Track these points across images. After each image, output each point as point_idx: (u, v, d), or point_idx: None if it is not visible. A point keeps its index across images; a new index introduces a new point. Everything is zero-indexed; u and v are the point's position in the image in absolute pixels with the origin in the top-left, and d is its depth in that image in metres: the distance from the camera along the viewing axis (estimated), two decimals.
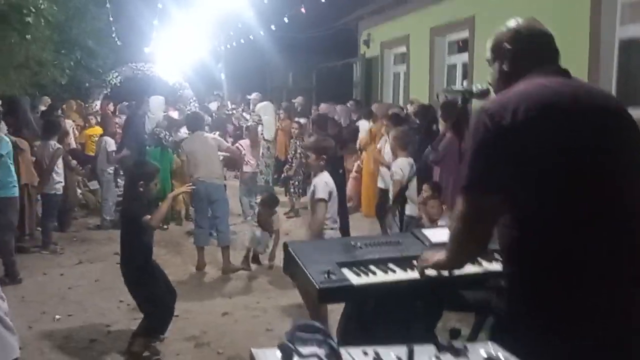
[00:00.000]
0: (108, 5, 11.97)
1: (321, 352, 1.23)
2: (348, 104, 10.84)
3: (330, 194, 3.87)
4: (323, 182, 3.89)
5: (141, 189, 3.90)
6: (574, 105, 1.64)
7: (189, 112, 8.78)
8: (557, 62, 1.83)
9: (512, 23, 1.87)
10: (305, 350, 1.22)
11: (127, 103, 11.31)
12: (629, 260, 1.59)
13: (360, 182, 8.12)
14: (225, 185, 6.55)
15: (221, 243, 5.85)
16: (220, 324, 4.47)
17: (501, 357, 1.37)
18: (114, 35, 13.93)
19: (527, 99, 1.62)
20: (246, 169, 7.86)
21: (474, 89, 2.19)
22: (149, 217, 3.81)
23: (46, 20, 9.42)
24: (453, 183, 5.98)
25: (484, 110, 1.66)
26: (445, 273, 1.94)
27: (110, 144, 7.79)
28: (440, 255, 1.87)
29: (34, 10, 9.00)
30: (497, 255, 2.06)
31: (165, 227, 7.20)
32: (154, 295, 3.87)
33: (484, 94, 2.16)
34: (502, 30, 1.88)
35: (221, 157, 6.43)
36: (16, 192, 5.48)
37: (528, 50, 1.80)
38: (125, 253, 3.94)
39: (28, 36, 9.58)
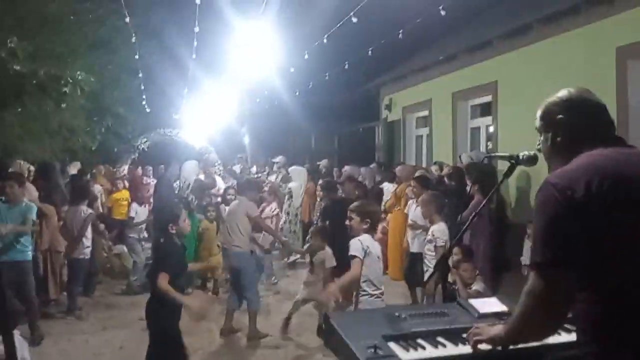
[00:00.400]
0: (140, 74, 12.46)
1: None
2: (371, 166, 10.91)
3: (366, 252, 3.83)
4: (357, 241, 3.89)
5: (173, 231, 3.89)
6: (637, 174, 1.60)
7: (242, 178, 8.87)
8: (613, 132, 1.80)
9: (563, 93, 1.86)
10: None
11: (151, 167, 11.52)
12: None
13: (386, 244, 8.00)
14: (252, 252, 6.42)
15: (248, 308, 5.72)
16: None
17: None
18: (144, 103, 14.43)
19: (597, 171, 1.59)
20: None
21: (522, 156, 2.16)
22: (165, 275, 3.71)
23: (82, 89, 9.84)
24: (483, 246, 5.88)
25: (551, 184, 1.62)
26: (499, 347, 1.84)
27: (134, 211, 7.84)
28: (497, 330, 1.79)
29: (71, 80, 9.41)
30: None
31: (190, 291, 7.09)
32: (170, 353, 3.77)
33: (531, 161, 2.14)
34: (554, 100, 1.87)
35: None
36: (29, 256, 5.52)
37: (582, 121, 1.79)
38: (152, 307, 3.86)
39: (63, 105, 9.97)
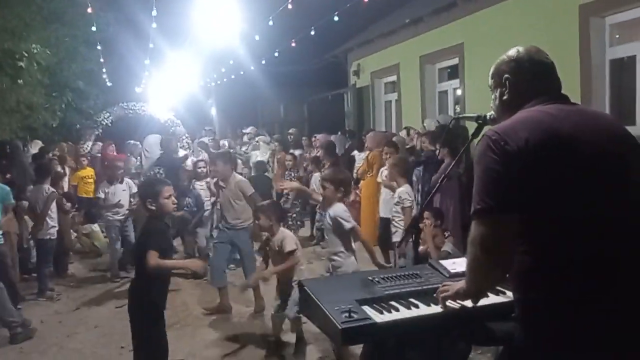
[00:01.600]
0: (99, 46, 12.01)
1: None
2: (339, 134, 10.89)
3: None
4: (342, 210, 3.94)
5: (153, 207, 3.75)
6: (576, 130, 1.66)
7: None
8: (558, 91, 1.85)
9: (512, 52, 1.91)
10: None
11: (132, 141, 11.16)
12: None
13: (359, 212, 8.05)
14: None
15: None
16: None
17: None
18: (104, 76, 13.96)
19: (530, 126, 1.66)
20: None
21: (488, 116, 2.17)
22: (154, 253, 3.52)
23: (39, 64, 9.43)
24: (453, 208, 5.96)
25: (488, 137, 1.69)
26: (469, 303, 1.90)
27: (103, 190, 7.22)
28: (460, 284, 1.86)
29: (26, 54, 9.00)
30: None
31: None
32: (155, 342, 3.69)
33: (495, 120, 2.14)
34: (503, 59, 1.92)
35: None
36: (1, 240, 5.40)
37: (528, 80, 1.84)
38: (137, 289, 3.73)
39: (20, 81, 9.56)
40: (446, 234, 4.80)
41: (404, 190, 5.27)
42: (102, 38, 11.95)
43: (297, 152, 9.54)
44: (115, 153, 10.83)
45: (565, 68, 7.33)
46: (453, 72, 9.81)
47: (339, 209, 4.00)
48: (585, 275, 1.58)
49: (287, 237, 4.35)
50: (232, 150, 10.14)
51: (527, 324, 1.67)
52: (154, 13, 8.06)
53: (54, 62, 11.47)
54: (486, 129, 1.99)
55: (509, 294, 2.06)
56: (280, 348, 4.49)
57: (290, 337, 4.50)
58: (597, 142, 1.66)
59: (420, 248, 4.79)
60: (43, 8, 10.67)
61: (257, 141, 11.17)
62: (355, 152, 9.28)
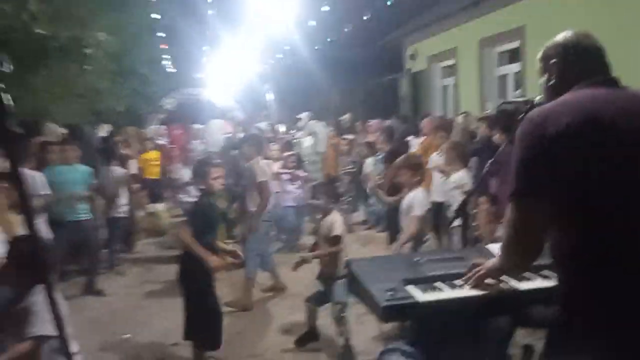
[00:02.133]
0: (160, 33, 12.47)
1: None
2: (393, 119, 10.80)
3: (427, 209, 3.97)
4: (420, 198, 3.96)
5: (201, 186, 3.95)
6: (620, 115, 1.62)
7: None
8: (607, 75, 1.81)
9: (560, 36, 1.88)
10: None
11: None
12: None
13: None
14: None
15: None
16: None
17: None
18: (166, 62, 14.48)
19: (570, 108, 1.64)
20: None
21: (536, 100, 2.14)
22: (187, 232, 3.76)
23: (104, 50, 9.90)
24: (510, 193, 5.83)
25: (528, 119, 1.69)
26: (512, 284, 1.92)
27: (178, 171, 7.72)
28: (492, 262, 1.91)
29: (92, 42, 9.48)
30: None
31: None
32: (207, 308, 3.89)
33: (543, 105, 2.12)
34: (551, 44, 1.90)
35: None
36: (90, 215, 5.88)
37: (575, 65, 1.82)
38: (183, 263, 3.95)
39: (87, 67, 10.10)
40: (502, 221, 4.73)
41: (461, 175, 5.19)
42: (163, 25, 12.37)
43: (350, 137, 9.56)
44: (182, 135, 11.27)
45: (631, 53, 7.01)
46: (514, 56, 9.49)
47: (417, 194, 4.00)
48: (622, 259, 1.57)
49: (336, 221, 4.21)
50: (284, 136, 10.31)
51: (566, 305, 1.68)
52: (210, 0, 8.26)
53: (119, 48, 12.00)
54: None
55: (554, 279, 2.05)
56: (312, 338, 4.30)
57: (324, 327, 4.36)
58: (638, 128, 1.61)
59: (475, 233, 4.76)
60: None
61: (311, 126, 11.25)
62: (411, 138, 9.19)
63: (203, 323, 3.89)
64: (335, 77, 17.00)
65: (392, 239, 6.26)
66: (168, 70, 14.79)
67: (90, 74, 10.88)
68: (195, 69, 16.07)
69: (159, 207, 8.97)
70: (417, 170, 4.03)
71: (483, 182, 5.57)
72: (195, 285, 3.88)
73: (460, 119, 8.89)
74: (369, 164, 8.05)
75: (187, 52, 14.76)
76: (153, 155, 10.06)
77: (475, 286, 1.99)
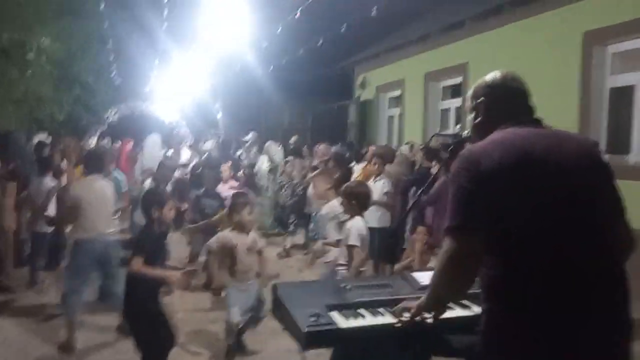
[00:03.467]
0: (110, 44, 12.19)
1: None
2: (340, 146, 10.95)
3: (362, 239, 3.88)
4: (355, 228, 3.90)
5: (155, 215, 3.85)
6: (546, 153, 1.72)
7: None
8: (531, 115, 1.92)
9: (489, 77, 1.99)
10: None
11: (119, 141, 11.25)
12: (599, 303, 1.66)
13: None
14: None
15: None
16: None
17: None
18: (113, 74, 14.14)
19: (503, 146, 1.73)
20: None
21: (464, 134, 2.23)
22: (139, 260, 3.64)
23: (48, 57, 9.56)
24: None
25: (463, 156, 1.76)
26: (430, 318, 1.95)
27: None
28: (420, 300, 1.92)
29: (36, 46, 9.15)
30: None
31: None
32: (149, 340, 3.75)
33: (471, 139, 2.21)
34: (480, 83, 2.00)
35: None
36: None
37: (502, 105, 1.92)
38: (128, 286, 3.81)
39: (29, 71, 9.71)
40: (436, 251, 4.84)
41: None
42: (113, 35, 12.11)
43: (297, 161, 9.61)
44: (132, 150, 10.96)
45: (565, 93, 7.44)
46: (456, 91, 9.88)
47: (353, 224, 3.96)
48: (550, 291, 1.63)
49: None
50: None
51: (489, 335, 1.72)
52: (165, 13, 8.19)
53: (65, 55, 11.63)
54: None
55: (474, 308, 2.11)
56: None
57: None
58: (565, 164, 1.72)
59: (407, 260, 4.85)
60: (55, 0, 10.84)
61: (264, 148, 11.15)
62: (354, 164, 9.33)
63: (147, 347, 3.75)
64: (285, 99, 17.10)
65: None
66: (114, 81, 14.43)
67: (31, 79, 10.45)
68: (142, 82, 15.77)
69: None
70: (353, 199, 4.04)
71: (420, 212, 5.75)
72: (137, 305, 3.75)
73: (405, 148, 9.14)
74: (312, 187, 8.08)
75: (136, 64, 14.49)
76: None
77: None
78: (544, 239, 1.65)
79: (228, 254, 4.24)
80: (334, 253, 4.13)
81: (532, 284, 1.64)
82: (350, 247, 3.83)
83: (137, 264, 3.64)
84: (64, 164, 8.75)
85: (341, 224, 4.19)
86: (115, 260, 4.82)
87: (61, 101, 12.48)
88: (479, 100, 1.97)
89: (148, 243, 3.79)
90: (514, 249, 1.67)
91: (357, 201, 4.03)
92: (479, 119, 1.98)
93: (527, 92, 1.96)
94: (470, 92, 2.05)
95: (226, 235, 4.33)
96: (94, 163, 5.19)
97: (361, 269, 3.80)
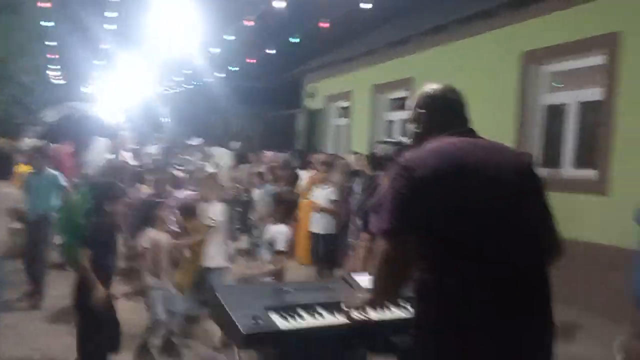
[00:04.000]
0: (49, 42, 11.71)
1: None
2: (287, 153, 10.98)
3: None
4: (282, 234, 3.90)
5: (107, 208, 3.74)
6: (478, 162, 1.81)
7: None
8: (466, 125, 2.01)
9: (428, 88, 2.06)
10: None
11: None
12: (524, 306, 1.75)
13: (296, 230, 8.09)
14: None
15: None
16: None
17: None
18: (53, 73, 13.58)
19: (437, 154, 1.81)
20: None
21: (405, 142, 2.30)
22: (87, 253, 3.59)
23: None
24: None
25: (400, 163, 1.83)
26: (372, 315, 2.02)
27: None
28: (365, 296, 1.99)
29: None
30: None
31: None
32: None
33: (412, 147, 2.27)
34: (420, 94, 2.07)
35: None
36: None
37: (438, 115, 2.00)
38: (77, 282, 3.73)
39: None
40: None
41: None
42: (55, 34, 11.65)
43: (242, 167, 9.55)
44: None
45: (503, 109, 7.76)
46: (402, 104, 10.12)
47: (278, 230, 3.96)
48: (477, 293, 1.71)
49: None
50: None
51: (420, 335, 1.79)
52: (107, 14, 7.97)
53: (1, 54, 11.10)
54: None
55: (411, 309, 2.16)
56: None
57: None
58: (497, 173, 1.81)
59: (349, 267, 4.89)
60: None
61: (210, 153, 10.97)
62: (301, 171, 9.37)
63: (88, 344, 3.68)
64: (234, 106, 16.97)
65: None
66: (54, 81, 13.85)
67: None
68: (85, 83, 15.21)
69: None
70: (286, 206, 4.08)
71: (364, 219, 5.83)
72: (84, 301, 3.65)
73: (352, 157, 9.27)
74: (258, 194, 8.05)
75: (78, 64, 13.98)
76: (27, 169, 9.25)
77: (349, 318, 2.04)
78: (473, 243, 1.73)
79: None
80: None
81: (462, 286, 1.71)
82: (280, 253, 3.84)
83: (83, 257, 3.58)
84: None
85: None
86: None
87: None
88: (419, 110, 2.04)
89: (98, 237, 3.72)
90: (444, 253, 1.74)
91: (286, 208, 4.09)
92: (419, 128, 2.04)
93: (464, 103, 2.05)
94: (411, 102, 2.11)
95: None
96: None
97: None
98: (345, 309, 2.03)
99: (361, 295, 1.99)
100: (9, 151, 9.28)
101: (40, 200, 5.96)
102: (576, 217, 5.95)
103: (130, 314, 5.06)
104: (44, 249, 6.18)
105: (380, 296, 1.95)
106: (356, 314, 2.00)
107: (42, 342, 4.69)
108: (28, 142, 12.20)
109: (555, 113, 7.04)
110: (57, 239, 6.93)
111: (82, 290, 3.67)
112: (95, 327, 3.68)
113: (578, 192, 6.20)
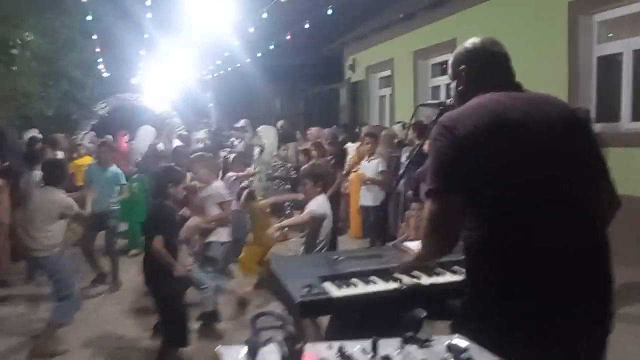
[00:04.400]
0: (95, 36, 12.07)
1: (279, 336, 1.23)
2: (333, 127, 10.96)
3: (323, 215, 3.90)
4: (316, 205, 3.94)
5: (170, 191, 3.92)
6: (523, 117, 1.74)
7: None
8: (511, 79, 1.93)
9: (468, 43, 1.99)
10: (264, 335, 1.23)
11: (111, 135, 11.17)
12: (579, 256, 1.69)
13: (348, 203, 8.13)
14: None
15: None
16: None
17: (461, 345, 1.39)
18: (101, 67, 14.02)
19: (477, 112, 1.76)
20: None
21: (448, 102, 2.25)
22: (160, 239, 3.75)
23: (33, 52, 9.47)
24: None
25: (440, 122, 1.79)
26: (425, 280, 2.05)
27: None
28: (416, 253, 2.04)
29: (20, 42, 9.06)
30: None
31: None
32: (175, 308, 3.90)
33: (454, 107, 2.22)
34: (459, 50, 2.00)
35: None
36: None
37: (482, 70, 1.93)
38: (151, 268, 3.92)
39: (14, 68, 9.62)
40: None
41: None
42: (98, 28, 11.99)
43: (289, 144, 9.61)
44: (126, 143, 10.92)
45: (553, 64, 7.45)
46: (446, 68, 9.85)
47: (315, 202, 4.00)
48: (529, 252, 1.67)
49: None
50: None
51: (473, 290, 1.78)
52: (148, 3, 8.11)
53: (51, 50, 11.53)
54: None
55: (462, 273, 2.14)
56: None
57: None
58: (543, 129, 1.74)
59: (402, 237, 4.89)
60: None
61: (256, 132, 11.08)
62: (349, 144, 9.35)
63: (172, 321, 3.91)
64: (276, 85, 17.04)
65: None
66: (102, 74, 14.30)
67: (18, 76, 10.36)
68: (130, 74, 15.63)
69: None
70: (319, 180, 4.08)
71: (415, 187, 5.79)
72: (163, 286, 3.87)
73: (397, 127, 9.16)
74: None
75: (123, 56, 14.35)
76: (85, 160, 9.68)
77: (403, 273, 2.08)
78: (521, 199, 1.68)
79: None
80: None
81: (512, 244, 1.68)
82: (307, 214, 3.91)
83: (158, 243, 3.73)
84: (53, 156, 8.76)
85: None
86: None
87: (49, 97, 12.38)
88: (459, 68, 1.98)
89: (166, 221, 3.88)
90: (492, 210, 1.70)
91: (323, 180, 4.13)
92: (461, 86, 1.99)
93: (507, 55, 1.96)
94: (451, 60, 2.05)
95: None
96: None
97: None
98: (397, 272, 2.04)
99: (411, 257, 2.00)
100: (69, 151, 9.67)
101: (103, 194, 6.11)
102: (637, 172, 5.68)
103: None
104: (112, 239, 6.48)
105: (429, 255, 1.96)
106: (407, 279, 2.01)
107: (118, 325, 4.97)
108: (84, 135, 12.75)
109: (610, 64, 6.67)
110: (121, 226, 7.26)
111: (158, 273, 3.83)
112: (174, 306, 3.89)
113: (638, 146, 5.91)
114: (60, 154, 9.27)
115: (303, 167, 4.30)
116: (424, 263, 2.03)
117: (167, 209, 3.98)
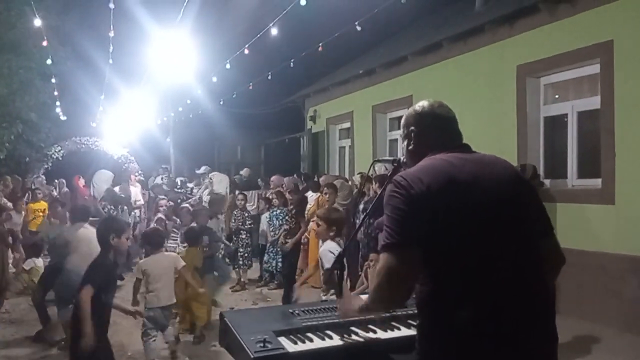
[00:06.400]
0: (54, 80, 11.91)
1: None
2: (294, 176, 11.05)
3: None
4: (328, 252, 3.94)
5: (112, 242, 3.75)
6: (472, 177, 1.85)
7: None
8: (459, 141, 2.04)
9: (418, 106, 2.10)
10: None
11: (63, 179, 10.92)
12: (528, 318, 1.77)
13: (307, 252, 8.10)
14: None
15: None
16: None
17: None
18: (58, 110, 13.78)
19: (432, 173, 1.85)
20: None
21: (402, 159, 2.33)
22: (89, 289, 3.53)
23: None
24: None
25: (396, 181, 1.86)
26: (380, 334, 2.03)
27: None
28: (362, 301, 2.02)
29: None
30: None
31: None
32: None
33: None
34: (410, 112, 2.11)
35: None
36: None
37: (430, 132, 2.03)
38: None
39: None
40: None
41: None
42: (58, 71, 11.86)
43: (247, 193, 9.59)
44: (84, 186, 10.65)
45: (503, 122, 7.80)
46: None
47: (326, 248, 4.02)
48: (476, 307, 1.73)
49: None
50: (181, 190, 10.08)
51: (422, 349, 1.81)
52: (111, 49, 8.14)
53: (6, 92, 11.30)
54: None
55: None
56: None
57: None
58: (490, 188, 1.85)
59: (361, 288, 4.90)
60: None
61: (210, 179, 11.10)
62: (310, 193, 9.42)
63: None
64: (237, 132, 17.12)
65: (287, 297, 6.24)
66: (60, 117, 14.04)
67: None
68: (90, 118, 15.43)
69: (39, 262, 8.23)
70: (333, 225, 4.10)
71: (371, 238, 5.85)
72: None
73: (356, 178, 9.32)
74: (264, 218, 8.09)
75: (82, 100, 14.19)
76: (41, 205, 9.37)
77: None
78: (471, 255, 1.75)
79: None
80: None
81: (460, 299, 1.74)
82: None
83: (87, 295, 3.51)
84: (4, 202, 8.44)
85: None
86: None
87: (1, 139, 12.01)
88: (409, 129, 2.08)
89: (101, 273, 3.68)
90: (443, 266, 1.77)
91: (337, 226, 4.14)
92: (411, 146, 2.08)
93: (454, 118, 2.08)
94: (402, 121, 2.15)
95: None
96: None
97: None
98: (341, 317, 2.05)
99: (358, 302, 2.01)
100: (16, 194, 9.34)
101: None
102: (584, 227, 5.92)
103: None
104: None
105: (376, 308, 1.98)
106: (363, 333, 2.02)
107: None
108: (36, 178, 12.36)
109: (556, 123, 7.08)
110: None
111: (78, 328, 3.58)
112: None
113: (584, 202, 6.18)
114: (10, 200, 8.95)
115: (319, 210, 4.29)
116: (367, 315, 2.03)
117: (104, 259, 3.77)
